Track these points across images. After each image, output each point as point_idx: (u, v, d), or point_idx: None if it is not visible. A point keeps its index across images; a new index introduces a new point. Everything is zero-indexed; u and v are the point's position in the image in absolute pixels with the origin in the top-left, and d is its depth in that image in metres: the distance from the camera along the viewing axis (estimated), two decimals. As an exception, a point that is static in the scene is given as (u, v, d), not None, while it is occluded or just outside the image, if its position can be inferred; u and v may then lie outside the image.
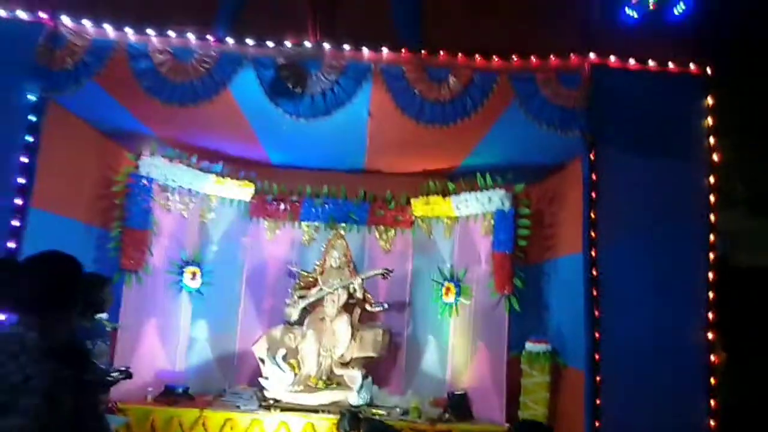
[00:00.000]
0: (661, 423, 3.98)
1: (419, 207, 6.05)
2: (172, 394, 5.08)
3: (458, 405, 5.11)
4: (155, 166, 5.34)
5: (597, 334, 4.03)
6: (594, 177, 4.19)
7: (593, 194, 4.18)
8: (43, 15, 4.05)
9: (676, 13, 4.30)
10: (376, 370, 5.62)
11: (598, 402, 3.98)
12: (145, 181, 5.27)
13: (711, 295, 4.09)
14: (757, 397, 4.99)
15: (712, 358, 4.06)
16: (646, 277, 4.12)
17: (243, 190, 6.02)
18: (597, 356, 4.02)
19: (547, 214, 5.43)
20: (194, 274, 5.75)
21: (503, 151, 5.15)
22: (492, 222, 5.46)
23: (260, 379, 5.32)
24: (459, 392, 5.25)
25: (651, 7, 4.32)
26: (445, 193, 5.85)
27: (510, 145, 4.93)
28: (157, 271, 5.45)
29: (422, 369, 5.86)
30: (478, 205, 5.60)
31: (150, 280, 5.35)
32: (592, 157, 4.20)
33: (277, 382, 5.20)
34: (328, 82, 4.08)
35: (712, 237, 4.16)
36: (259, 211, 6.15)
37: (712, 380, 4.06)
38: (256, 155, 5.79)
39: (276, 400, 5.07)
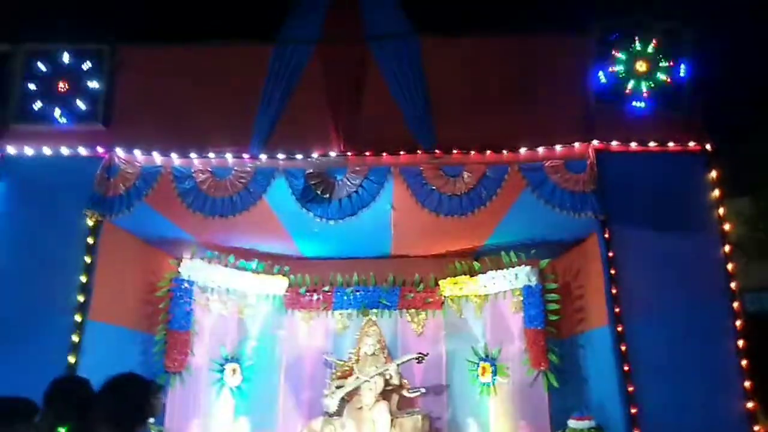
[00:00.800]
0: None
1: (447, 287, 6.15)
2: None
3: (505, 490, 5.00)
4: (195, 269, 5.63)
5: (633, 410, 4.02)
6: (611, 254, 4.33)
7: (612, 271, 4.31)
8: (100, 150, 4.57)
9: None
10: (418, 457, 5.56)
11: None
12: (186, 284, 5.53)
13: (744, 363, 4.08)
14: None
15: (756, 428, 3.99)
16: (677, 348, 4.13)
17: (277, 284, 6.24)
18: (636, 432, 4.01)
19: (573, 287, 5.49)
20: (234, 371, 5.89)
21: (524, 230, 5.32)
22: (521, 298, 5.54)
23: (303, 475, 5.32)
24: (504, 477, 5.15)
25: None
26: (471, 273, 5.96)
27: (529, 224, 5.12)
28: (198, 371, 5.60)
29: (465, 453, 5.77)
30: (505, 282, 5.70)
31: (192, 380, 5.51)
32: (606, 236, 4.38)
33: (320, 477, 5.20)
34: (353, 185, 4.44)
35: (736, 305, 4.20)
36: (294, 303, 6.31)
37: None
38: (289, 251, 6.05)
39: (320, 496, 5.06)
